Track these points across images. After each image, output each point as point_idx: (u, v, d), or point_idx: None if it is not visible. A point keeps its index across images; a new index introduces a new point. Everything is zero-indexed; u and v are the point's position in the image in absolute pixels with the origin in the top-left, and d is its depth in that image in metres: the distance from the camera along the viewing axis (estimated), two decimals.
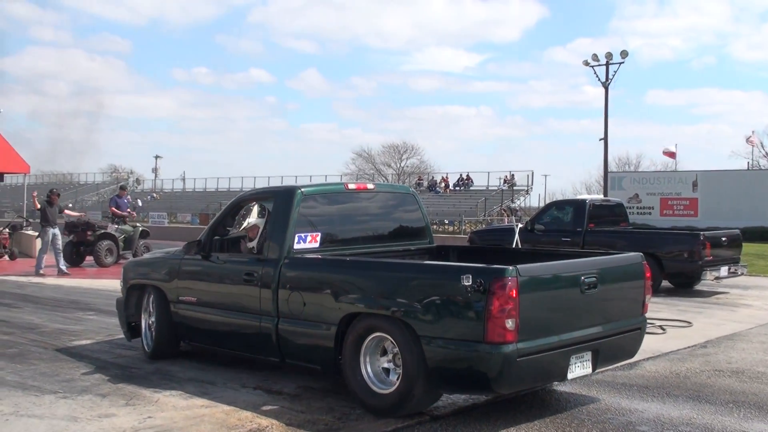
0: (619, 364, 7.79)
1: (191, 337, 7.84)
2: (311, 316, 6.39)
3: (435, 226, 46.80)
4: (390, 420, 5.82)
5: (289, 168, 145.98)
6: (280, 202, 7.07)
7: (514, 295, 5.23)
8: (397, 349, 5.80)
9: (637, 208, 40.26)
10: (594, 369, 6.13)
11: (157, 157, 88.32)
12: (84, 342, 9.01)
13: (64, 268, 17.46)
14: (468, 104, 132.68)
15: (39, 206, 18.08)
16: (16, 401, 6.31)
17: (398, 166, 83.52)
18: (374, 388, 5.98)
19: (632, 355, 6.79)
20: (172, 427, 5.64)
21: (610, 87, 40.98)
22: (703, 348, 9.09)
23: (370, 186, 7.87)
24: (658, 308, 12.40)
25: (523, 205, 53.60)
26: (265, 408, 6.16)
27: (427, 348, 5.54)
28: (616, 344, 6.36)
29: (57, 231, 17.76)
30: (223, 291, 7.34)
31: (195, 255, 7.60)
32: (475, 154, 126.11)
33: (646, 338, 9.42)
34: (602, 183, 45.32)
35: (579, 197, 20.72)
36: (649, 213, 40.18)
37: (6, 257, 21.21)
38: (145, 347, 8.17)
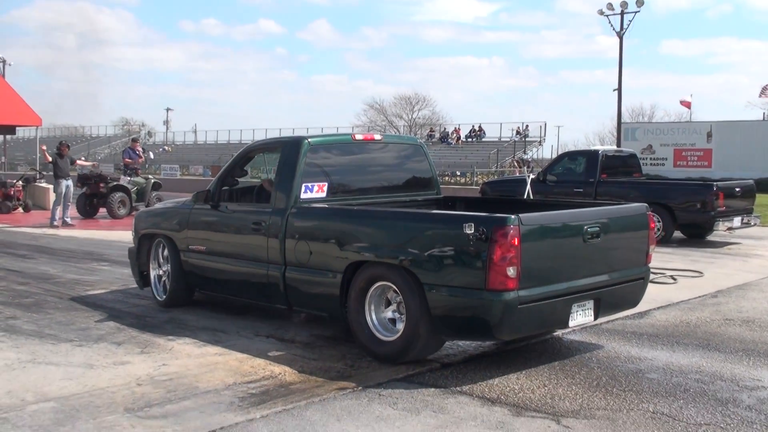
0: (628, 313, 7.83)
1: (201, 285, 7.95)
2: (317, 265, 6.47)
3: (447, 178, 46.72)
4: (401, 367, 5.88)
5: (301, 120, 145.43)
6: (287, 152, 7.10)
7: (516, 244, 5.29)
8: (401, 297, 5.89)
9: (651, 159, 39.99)
10: (596, 317, 6.19)
11: (168, 109, 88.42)
12: (98, 292, 9.11)
13: (68, 220, 17.61)
14: (480, 55, 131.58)
15: (50, 159, 18.17)
16: (33, 349, 6.41)
17: (410, 117, 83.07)
18: (379, 336, 6.08)
19: (635, 305, 6.82)
20: (187, 374, 5.73)
21: (624, 37, 40.54)
22: (713, 297, 9.10)
23: (377, 137, 7.92)
24: (669, 258, 12.41)
25: (535, 156, 53.34)
26: (277, 356, 6.24)
27: (431, 296, 5.62)
28: (619, 293, 6.41)
29: (70, 183, 17.90)
30: (232, 240, 7.44)
31: (204, 205, 7.68)
32: (487, 105, 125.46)
33: (657, 288, 9.51)
34: (615, 134, 44.92)
35: (592, 148, 20.54)
36: (663, 164, 39.91)
37: (20, 209, 21.34)
38: (156, 296, 8.29)
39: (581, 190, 16.19)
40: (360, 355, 6.21)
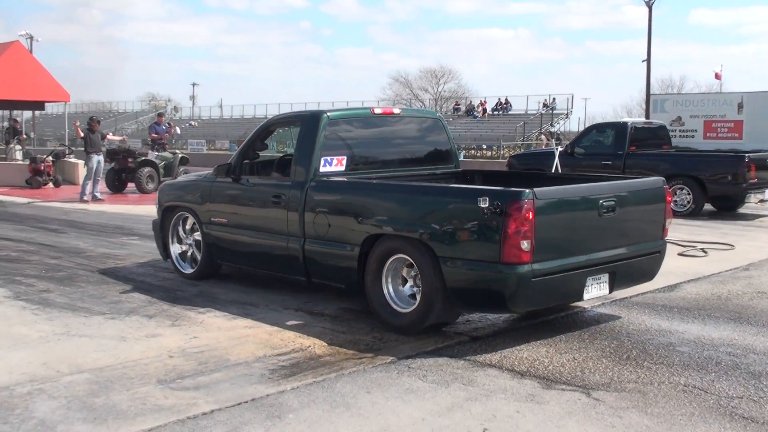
0: (659, 286, 7.82)
1: (222, 258, 8.01)
2: (336, 237, 6.55)
3: (473, 151, 46.52)
4: (429, 340, 5.90)
5: (326, 94, 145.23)
6: (306, 126, 7.16)
7: (530, 217, 5.32)
8: (417, 270, 5.94)
9: (680, 130, 39.23)
10: (611, 290, 6.21)
11: (194, 84, 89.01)
12: (129, 265, 9.21)
13: (98, 194, 17.84)
14: (505, 26, 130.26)
15: (82, 134, 18.36)
16: (66, 322, 6.50)
17: (435, 90, 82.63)
18: (395, 307, 6.17)
19: (651, 278, 6.82)
20: (217, 346, 5.78)
21: (653, 6, 39.84)
22: (745, 270, 9.00)
23: (396, 111, 8.00)
24: (700, 231, 12.28)
25: (562, 129, 52.84)
26: (306, 329, 6.27)
27: (446, 269, 5.68)
28: (635, 267, 6.43)
29: (101, 158, 18.24)
30: (252, 213, 7.51)
31: (225, 178, 7.75)
32: (513, 77, 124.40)
33: (688, 261, 9.44)
34: (644, 106, 44.35)
35: (620, 120, 20.30)
36: (693, 136, 39.14)
37: (50, 184, 21.59)
38: (180, 269, 8.43)
39: (609, 162, 16.04)
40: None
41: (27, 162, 22.34)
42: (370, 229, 6.26)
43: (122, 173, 19.97)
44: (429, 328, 6.03)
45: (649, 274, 6.73)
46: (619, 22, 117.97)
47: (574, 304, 7.03)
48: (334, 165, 7.02)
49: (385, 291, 6.21)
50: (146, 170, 19.64)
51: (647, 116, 39.85)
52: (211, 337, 6.06)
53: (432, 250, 5.76)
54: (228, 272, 8.33)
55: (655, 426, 4.23)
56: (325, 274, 6.83)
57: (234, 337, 6.06)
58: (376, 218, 6.27)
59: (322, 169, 6.92)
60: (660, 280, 8.13)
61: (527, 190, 5.38)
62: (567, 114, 54.40)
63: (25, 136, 23.62)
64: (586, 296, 5.99)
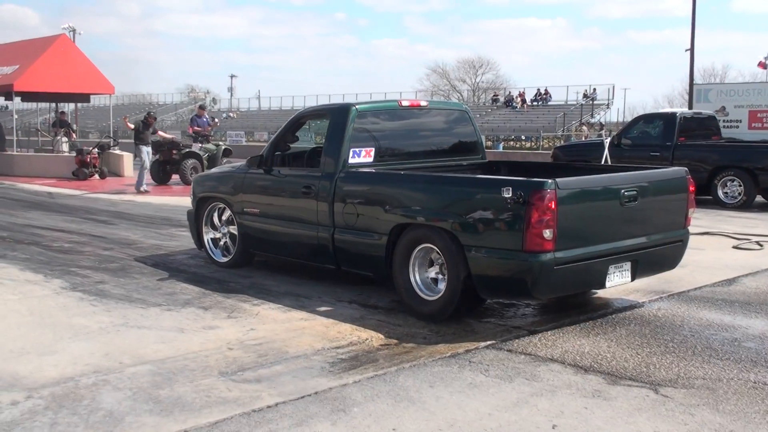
0: (716, 280, 7.73)
1: (255, 247, 8.21)
2: (364, 227, 6.72)
3: (512, 143, 46.18)
4: (487, 333, 5.85)
5: (362, 85, 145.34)
6: (335, 118, 7.31)
7: (553, 207, 5.44)
8: (442, 258, 6.07)
9: (724, 121, 38.49)
10: (633, 278, 6.29)
11: (232, 76, 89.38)
12: (180, 257, 9.28)
13: (141, 188, 18.08)
14: (542, 16, 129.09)
15: (132, 126, 18.72)
16: (124, 313, 6.57)
17: (473, 81, 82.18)
18: (422, 295, 6.32)
19: (673, 266, 6.89)
20: (275, 338, 5.79)
21: None
22: None
23: (423, 103, 8.17)
24: (753, 224, 12.04)
25: (603, 120, 52.20)
26: (362, 321, 6.26)
27: (471, 257, 5.81)
28: (657, 255, 6.50)
29: (150, 150, 18.60)
30: (284, 203, 7.69)
31: (257, 169, 7.94)
32: (551, 68, 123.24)
33: (744, 254, 9.27)
34: (686, 96, 43.64)
35: (669, 110, 19.95)
36: (737, 126, 38.40)
37: (96, 176, 21.88)
38: (214, 258, 8.66)
39: (658, 154, 15.78)
40: (444, 321, 6.19)
41: (73, 154, 22.68)
42: (397, 219, 6.41)
43: (167, 165, 20.14)
44: (459, 317, 6.17)
45: (671, 262, 6.81)
46: (658, 11, 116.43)
47: (632, 299, 6.94)
48: (362, 156, 7.18)
49: (413, 279, 6.36)
50: (190, 162, 19.78)
51: (690, 106, 39.16)
52: (268, 329, 6.07)
53: (457, 239, 5.90)
54: (277, 264, 8.36)
55: (729, 424, 4.13)
56: (354, 263, 7.01)
57: (290, 329, 6.07)
58: (403, 208, 6.42)
59: (350, 161, 7.07)
60: (718, 274, 8.03)
61: (550, 181, 5.49)
62: (608, 104, 53.72)
63: (74, 129, 23.86)
64: (608, 284, 6.09)
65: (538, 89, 57.07)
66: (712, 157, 15.49)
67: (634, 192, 6.07)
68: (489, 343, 5.63)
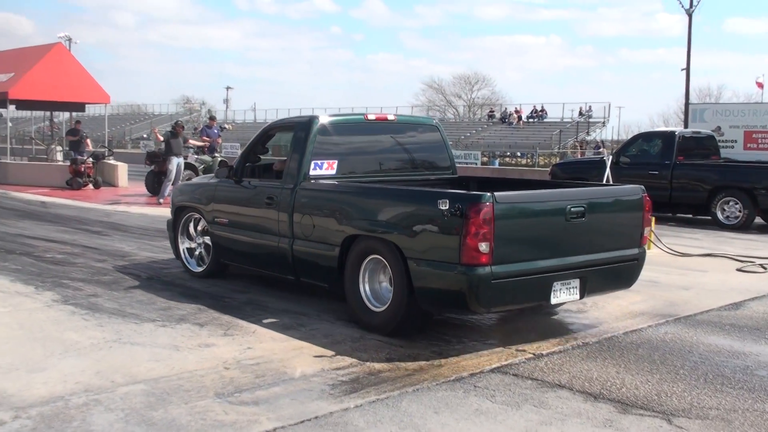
0: (723, 304, 7.58)
1: (224, 256, 8.29)
2: (319, 238, 6.81)
3: (507, 158, 46.09)
4: (492, 357, 5.69)
5: (358, 99, 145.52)
6: (299, 131, 7.39)
7: (489, 221, 5.46)
8: (390, 270, 6.10)
9: (720, 141, 38.66)
10: (582, 296, 6.21)
11: (228, 88, 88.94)
12: (175, 270, 9.07)
13: (161, 200, 17.85)
14: (536, 33, 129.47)
15: (162, 138, 18.59)
16: (117, 328, 6.37)
17: (469, 97, 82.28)
18: (370, 306, 6.37)
19: (629, 285, 6.80)
20: (273, 358, 5.60)
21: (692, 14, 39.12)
22: None
23: (391, 117, 8.08)
24: (755, 246, 11.92)
25: (599, 137, 52.19)
26: (362, 341, 6.07)
27: (413, 268, 5.85)
28: (609, 273, 6.42)
29: (181, 161, 18.44)
30: (250, 213, 7.78)
31: (228, 180, 8.06)
32: (545, 85, 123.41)
33: (748, 277, 9.13)
34: (681, 115, 43.75)
35: (667, 129, 19.86)
36: (732, 146, 38.48)
37: (90, 186, 21.67)
38: (189, 267, 8.76)
39: (656, 172, 15.69)
40: (445, 343, 6.03)
41: (67, 163, 22.47)
42: (348, 230, 6.48)
43: (161, 176, 19.93)
44: (404, 331, 6.15)
45: (626, 281, 6.72)
46: (652, 30, 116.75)
47: (638, 323, 6.80)
48: (324, 169, 7.24)
49: (362, 290, 6.41)
50: (186, 173, 19.57)
51: (686, 126, 39.14)
52: (266, 348, 5.88)
53: (401, 251, 5.93)
54: (273, 280, 8.17)
55: None
56: (310, 273, 7.07)
57: (289, 348, 5.88)
58: (352, 219, 6.49)
59: (312, 173, 7.14)
60: (724, 297, 7.90)
61: (488, 194, 5.51)
62: (603, 122, 53.72)
63: (86, 135, 23.41)
64: (553, 300, 6.02)
65: (534, 106, 57.11)
66: (711, 177, 15.39)
67: (581, 208, 6.01)
68: (494, 366, 5.46)
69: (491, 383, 5.08)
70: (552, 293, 5.95)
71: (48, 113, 31.41)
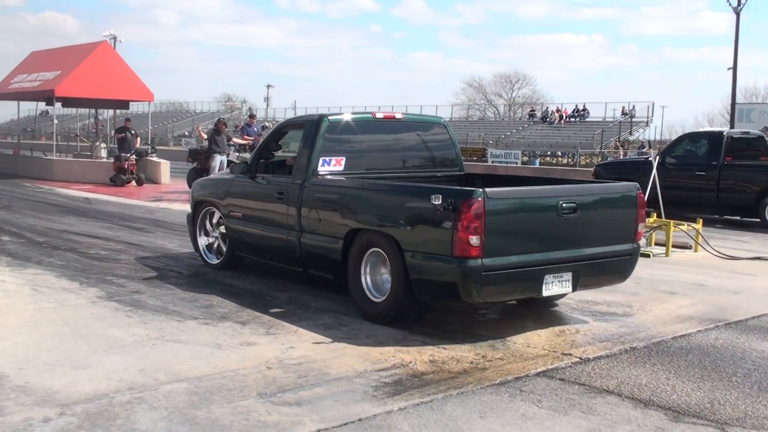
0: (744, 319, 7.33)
1: (238, 249, 8.62)
2: (325, 231, 7.09)
3: (548, 158, 45.63)
4: (538, 361, 5.58)
5: (397, 97, 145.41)
6: (309, 128, 7.67)
7: (480, 215, 5.67)
8: (389, 262, 6.36)
9: None
10: (574, 289, 6.38)
11: (268, 86, 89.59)
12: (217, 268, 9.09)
13: None
14: (578, 32, 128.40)
15: (206, 137, 18.81)
16: (160, 326, 6.39)
17: (509, 96, 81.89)
18: (371, 297, 6.65)
19: (622, 280, 6.98)
20: (315, 358, 5.56)
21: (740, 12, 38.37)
22: None
23: (399, 116, 8.28)
24: None
25: (641, 137, 51.48)
26: (405, 342, 6.01)
27: (409, 260, 6.12)
28: (602, 267, 6.62)
29: (224, 158, 18.60)
30: (262, 207, 8.10)
31: (243, 176, 8.34)
32: (587, 84, 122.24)
33: None
34: (727, 115, 43.02)
35: (715, 129, 19.44)
36: None
37: (133, 183, 21.93)
38: (207, 260, 9.08)
39: (703, 173, 15.39)
40: (491, 348, 5.94)
41: (111, 160, 22.77)
42: (351, 224, 6.77)
43: (203, 173, 20.07)
44: (403, 321, 6.40)
45: (619, 276, 6.89)
46: (696, 28, 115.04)
47: (687, 328, 6.64)
48: (332, 165, 7.50)
49: (363, 281, 6.67)
50: (227, 170, 19.72)
51: (732, 126, 38.56)
52: (308, 347, 5.85)
53: (398, 244, 6.19)
54: (313, 279, 8.13)
55: None
56: (317, 265, 7.37)
57: (331, 348, 5.84)
58: (354, 214, 6.78)
59: (320, 169, 7.41)
60: None
61: (479, 190, 5.75)
62: (647, 122, 52.99)
63: (135, 133, 23.60)
64: (545, 293, 6.19)
65: (576, 105, 56.53)
66: (759, 178, 15.03)
67: (573, 204, 6.18)
68: (539, 370, 5.35)
69: (537, 387, 4.98)
70: (543, 286, 6.13)
71: (93, 111, 31.88)
